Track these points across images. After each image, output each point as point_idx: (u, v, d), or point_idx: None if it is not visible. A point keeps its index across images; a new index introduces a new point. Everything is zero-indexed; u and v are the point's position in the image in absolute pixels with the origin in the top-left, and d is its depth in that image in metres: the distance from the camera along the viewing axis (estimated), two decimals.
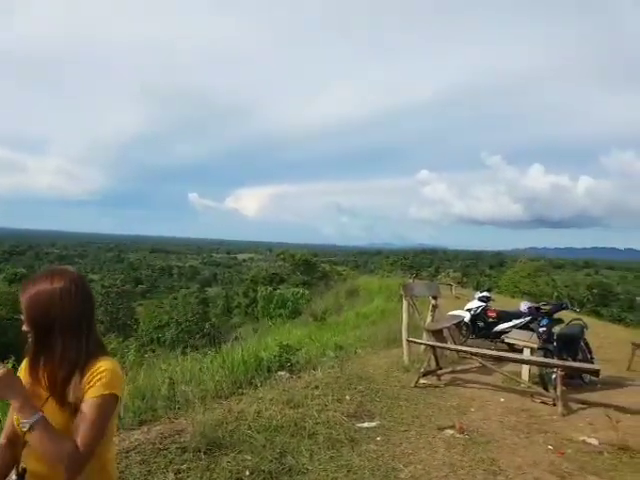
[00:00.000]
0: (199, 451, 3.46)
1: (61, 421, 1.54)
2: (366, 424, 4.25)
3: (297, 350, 6.51)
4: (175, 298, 42.43)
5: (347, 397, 4.89)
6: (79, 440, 1.49)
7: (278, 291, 25.57)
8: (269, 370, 5.85)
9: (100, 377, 1.56)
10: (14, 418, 1.64)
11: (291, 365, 6.06)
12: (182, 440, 3.61)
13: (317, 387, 5.15)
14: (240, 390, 5.08)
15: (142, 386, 4.68)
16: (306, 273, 34.31)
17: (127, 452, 3.39)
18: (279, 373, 5.83)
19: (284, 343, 6.47)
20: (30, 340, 1.60)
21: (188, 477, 3.18)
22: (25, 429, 1.46)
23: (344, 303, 21.43)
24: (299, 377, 5.72)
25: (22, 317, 1.61)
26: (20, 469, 1.67)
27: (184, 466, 3.28)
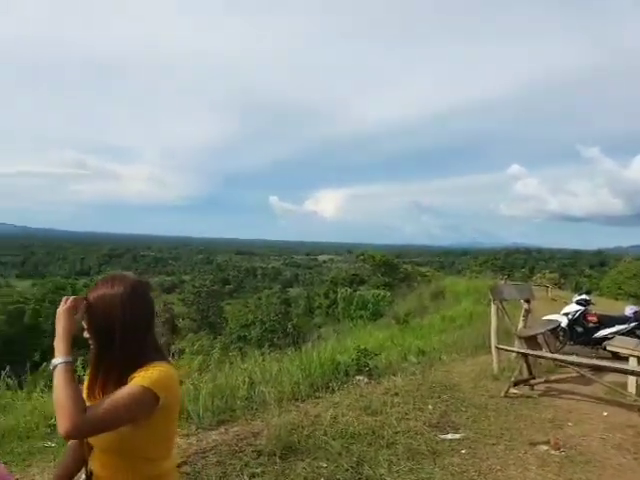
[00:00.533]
0: (274, 455, 3.46)
1: None
2: (450, 435, 4.02)
3: (376, 355, 6.37)
4: (259, 298, 43.93)
5: (429, 406, 4.68)
6: (93, 409, 1.44)
7: (358, 292, 25.51)
8: (347, 374, 5.77)
9: (146, 371, 1.53)
10: None
11: (369, 370, 5.94)
12: (258, 443, 3.64)
13: (397, 394, 4.99)
14: (317, 393, 5.05)
15: (222, 385, 4.81)
16: (387, 274, 33.91)
17: (204, 452, 3.48)
18: (357, 377, 5.73)
19: (362, 347, 6.37)
20: (91, 347, 1.63)
21: None
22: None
23: (428, 305, 20.85)
24: (378, 383, 5.59)
25: (83, 323, 1.65)
26: (88, 471, 1.72)
27: (259, 470, 3.29)
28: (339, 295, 25.13)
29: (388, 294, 23.59)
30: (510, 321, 6.58)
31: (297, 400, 4.83)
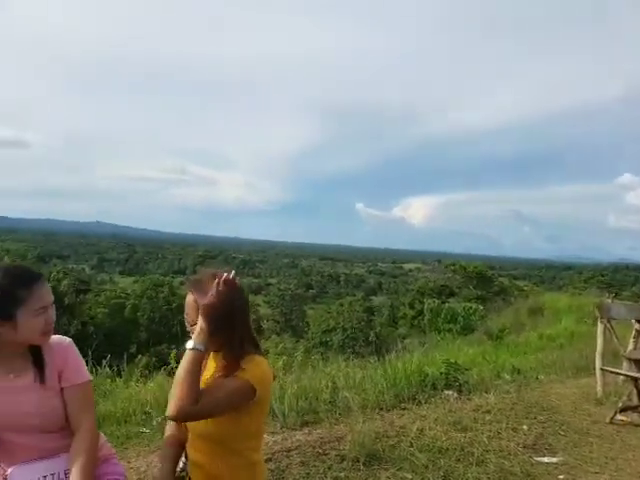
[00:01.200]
0: (358, 462, 3.48)
1: None
2: (546, 459, 3.79)
3: (466, 370, 6.15)
4: (341, 305, 44.18)
5: (524, 426, 4.44)
6: (202, 399, 1.56)
7: (447, 305, 24.74)
8: (434, 387, 5.63)
9: (249, 364, 1.66)
10: None
11: (460, 385, 5.76)
12: (341, 447, 3.68)
13: (489, 412, 4.79)
14: (402, 404, 4.99)
15: (306, 387, 4.92)
16: (480, 287, 32.52)
17: (289, 451, 3.58)
18: (445, 392, 5.58)
19: (452, 361, 6.18)
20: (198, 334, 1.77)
21: None
22: (188, 347, 1.59)
23: (525, 322, 19.73)
24: (468, 399, 5.39)
25: (186, 316, 1.80)
26: (185, 456, 1.87)
27: (342, 474, 3.33)
28: (426, 306, 24.51)
29: (481, 308, 22.63)
30: (618, 342, 6.05)
31: (382, 409, 4.81)
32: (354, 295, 60.46)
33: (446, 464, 3.57)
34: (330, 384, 5.15)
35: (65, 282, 28.34)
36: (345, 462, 3.48)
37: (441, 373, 5.86)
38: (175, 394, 1.54)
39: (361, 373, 5.85)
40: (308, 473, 3.32)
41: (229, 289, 1.66)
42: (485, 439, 4.05)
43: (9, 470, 1.57)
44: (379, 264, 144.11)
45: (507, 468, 3.60)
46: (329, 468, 3.40)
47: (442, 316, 22.37)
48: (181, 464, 1.89)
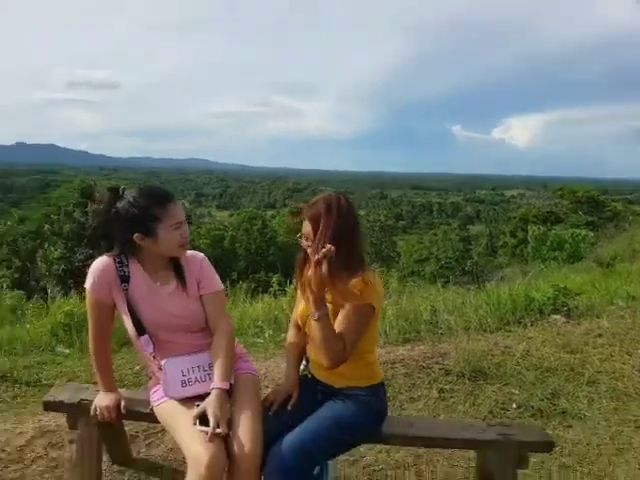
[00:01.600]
0: (463, 376, 3.61)
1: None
2: None
3: (577, 294, 5.95)
4: (435, 234, 43.55)
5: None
6: (343, 335, 1.80)
7: (553, 231, 23.44)
8: (541, 312, 5.54)
9: (360, 289, 1.82)
10: (298, 311, 2.05)
11: (568, 310, 5.60)
12: (445, 363, 3.82)
13: (600, 335, 4.65)
14: (507, 327, 5.00)
15: (405, 309, 5.08)
16: (591, 213, 30.27)
17: (393, 363, 3.79)
18: (553, 317, 5.47)
19: (561, 285, 6.00)
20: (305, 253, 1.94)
21: (451, 397, 3.38)
22: (314, 318, 1.80)
23: None
24: (578, 324, 5.26)
25: (302, 234, 1.95)
26: (306, 357, 2.10)
27: (447, 386, 3.50)
28: (530, 233, 23.37)
29: (590, 234, 21.20)
30: None
31: (485, 331, 4.86)
32: (449, 225, 59.10)
33: (554, 382, 3.59)
34: (429, 307, 5.27)
35: None
36: (450, 376, 3.63)
37: (548, 298, 5.72)
38: (325, 353, 1.80)
39: (461, 298, 5.90)
40: (413, 384, 3.53)
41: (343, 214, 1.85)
42: (597, 361, 3.98)
43: (163, 362, 1.87)
44: (477, 191, 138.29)
45: (620, 389, 3.55)
46: (434, 380, 3.57)
47: (548, 244, 21.29)
48: (302, 365, 2.12)
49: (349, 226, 1.86)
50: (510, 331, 4.85)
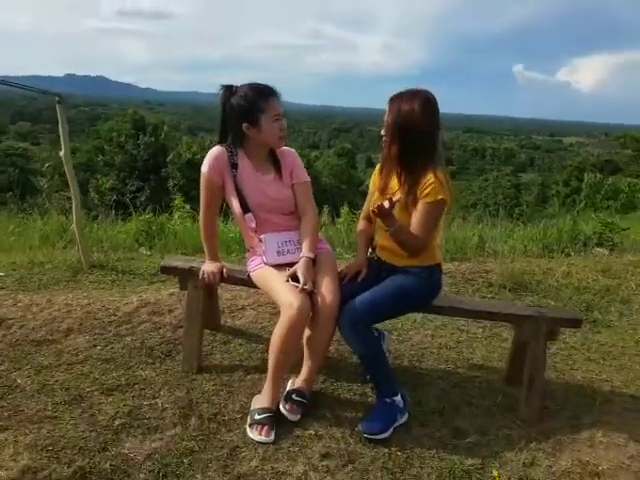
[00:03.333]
0: (504, 288, 4.03)
1: (404, 217, 2.24)
2: None
3: (623, 230, 6.13)
4: (486, 180, 42.66)
5: None
6: (420, 235, 2.18)
7: (610, 180, 22.74)
8: (585, 245, 5.79)
9: (433, 186, 2.18)
10: (373, 199, 2.45)
11: (613, 244, 5.82)
12: (489, 277, 4.23)
13: None
14: (550, 255, 5.30)
15: (454, 233, 5.45)
16: None
17: None
18: (596, 249, 5.72)
19: (609, 220, 6.18)
20: (385, 147, 2.30)
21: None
22: (389, 232, 2.19)
23: None
24: (620, 256, 5.50)
25: (382, 127, 2.31)
26: (373, 244, 2.53)
27: (489, 295, 3.93)
28: (585, 180, 22.80)
29: None
30: None
31: (529, 257, 5.19)
32: (500, 171, 57.53)
33: (590, 299, 3.96)
34: (477, 234, 5.62)
35: None
36: (492, 287, 4.05)
37: (594, 232, 5.94)
38: (405, 251, 2.25)
39: (509, 228, 6.22)
40: (457, 291, 3.96)
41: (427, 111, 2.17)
42: (632, 285, 4.29)
43: (263, 236, 2.36)
44: (534, 137, 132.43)
45: None
46: (477, 290, 4.00)
47: (602, 192, 20.78)
48: (370, 250, 2.57)
49: (427, 122, 2.18)
50: (553, 257, 5.17)
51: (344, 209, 6.46)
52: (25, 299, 3.24)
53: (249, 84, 2.31)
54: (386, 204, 2.07)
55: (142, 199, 24.69)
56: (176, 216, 5.69)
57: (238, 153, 2.36)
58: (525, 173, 67.10)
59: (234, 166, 2.33)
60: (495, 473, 2.02)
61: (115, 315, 3.10)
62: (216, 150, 2.36)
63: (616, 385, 2.75)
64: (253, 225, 2.35)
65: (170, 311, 3.18)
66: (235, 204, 2.36)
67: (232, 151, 2.35)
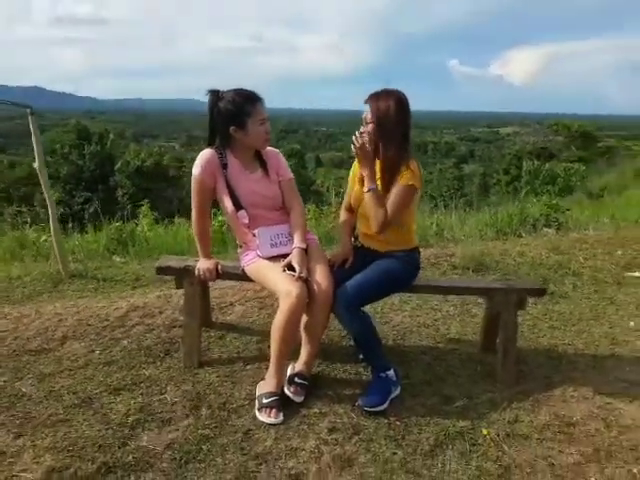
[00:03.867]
0: (468, 269, 4.31)
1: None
2: (637, 273, 4.39)
3: (567, 210, 6.60)
4: (430, 173, 43.84)
5: (619, 252, 4.98)
6: (389, 211, 2.36)
7: (547, 166, 23.98)
8: (534, 226, 6.21)
9: (407, 174, 2.38)
10: (354, 190, 2.62)
11: (559, 224, 6.26)
12: (452, 260, 4.50)
13: (586, 242, 5.34)
14: (504, 237, 5.67)
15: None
16: (584, 148, 30.70)
17: None
18: (545, 229, 6.14)
19: (553, 202, 6.64)
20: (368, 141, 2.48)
21: None
22: (365, 191, 2.37)
23: (629, 184, 18.94)
24: (566, 235, 5.94)
25: (363, 124, 2.48)
26: (356, 233, 2.70)
27: (455, 277, 4.19)
28: (524, 167, 23.91)
29: (582, 168, 21.78)
30: None
31: (484, 240, 5.53)
32: (443, 164, 59.17)
33: (545, 273, 4.30)
34: (435, 223, 5.92)
35: (167, 157, 30.95)
36: (457, 269, 4.32)
37: (541, 214, 6.38)
38: (374, 219, 2.37)
39: (459, 216, 6.56)
40: (426, 275, 4.20)
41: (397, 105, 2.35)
42: (581, 259, 4.69)
43: (256, 230, 2.48)
44: (472, 129, 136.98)
45: (600, 278, 4.27)
46: (443, 273, 4.26)
47: (540, 178, 21.89)
48: (352, 239, 2.73)
49: (402, 118, 2.38)
50: (507, 240, 5.53)
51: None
52: (13, 311, 3.21)
53: (234, 89, 2.42)
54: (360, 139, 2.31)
55: (90, 210, 23.94)
56: (144, 223, 5.67)
57: (227, 154, 2.47)
58: (467, 164, 69.37)
59: (224, 166, 2.45)
60: (485, 432, 2.24)
61: (107, 320, 3.13)
62: (207, 152, 2.46)
63: (578, 347, 3.06)
64: (246, 221, 2.47)
65: (160, 312, 3.24)
66: (227, 202, 2.47)
67: (221, 153, 2.46)
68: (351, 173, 2.69)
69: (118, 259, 4.76)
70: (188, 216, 3.99)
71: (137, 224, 5.55)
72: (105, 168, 29.67)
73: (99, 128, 34.00)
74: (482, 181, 43.38)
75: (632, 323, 3.42)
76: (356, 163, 2.65)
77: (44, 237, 4.34)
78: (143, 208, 5.95)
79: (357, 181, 2.59)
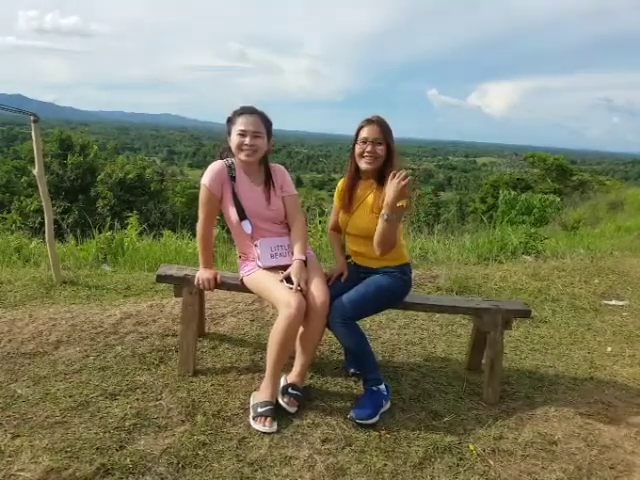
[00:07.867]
0: (452, 291, 4.43)
1: (374, 219, 2.51)
2: (613, 302, 4.57)
3: (545, 239, 6.83)
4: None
5: (596, 281, 5.17)
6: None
7: (523, 196, 24.64)
8: (513, 253, 6.40)
9: None
10: (340, 219, 2.71)
11: (537, 252, 6.47)
12: (436, 282, 4.62)
13: (564, 270, 5.52)
14: (485, 262, 5.82)
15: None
16: (559, 180, 31.62)
17: None
18: (524, 257, 6.34)
19: (532, 230, 6.86)
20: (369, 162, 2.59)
21: None
22: (385, 219, 2.40)
23: (603, 217, 19.59)
24: (545, 262, 6.13)
25: (368, 138, 2.58)
26: (347, 252, 2.80)
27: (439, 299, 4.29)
28: (501, 197, 24.52)
29: (558, 199, 22.44)
30: None
31: (467, 264, 5.68)
32: (421, 189, 59.97)
33: (525, 298, 4.44)
34: (418, 246, 6.05)
35: (149, 170, 30.74)
36: (441, 291, 4.44)
37: (520, 242, 6.58)
38: (385, 245, 2.47)
39: (443, 241, 6.72)
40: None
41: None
42: (560, 286, 4.85)
43: (257, 241, 2.55)
44: (450, 158, 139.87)
45: (578, 305, 4.44)
46: (428, 294, 4.35)
47: (517, 208, 22.43)
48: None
49: (392, 141, 2.57)
50: (488, 265, 5.68)
51: None
52: (6, 315, 3.19)
53: (241, 106, 2.56)
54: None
55: (69, 221, 23.59)
56: (132, 233, 5.66)
57: (235, 168, 2.56)
58: (444, 192, 70.63)
59: (233, 178, 2.54)
60: (471, 447, 2.32)
61: (101, 327, 3.13)
62: (217, 164, 2.56)
63: (559, 370, 3.18)
64: (249, 230, 2.54)
65: (154, 321, 3.26)
66: (232, 212, 2.54)
67: (230, 165, 2.55)
68: (336, 196, 2.79)
69: (107, 268, 4.75)
70: (174, 229, 4.02)
71: (126, 235, 5.54)
72: (86, 178, 29.32)
73: (82, 140, 33.73)
74: (459, 209, 44.15)
75: (609, 348, 3.57)
76: (340, 184, 2.75)
77: (34, 243, 4.30)
78: (131, 219, 5.95)
79: (343, 205, 2.69)
